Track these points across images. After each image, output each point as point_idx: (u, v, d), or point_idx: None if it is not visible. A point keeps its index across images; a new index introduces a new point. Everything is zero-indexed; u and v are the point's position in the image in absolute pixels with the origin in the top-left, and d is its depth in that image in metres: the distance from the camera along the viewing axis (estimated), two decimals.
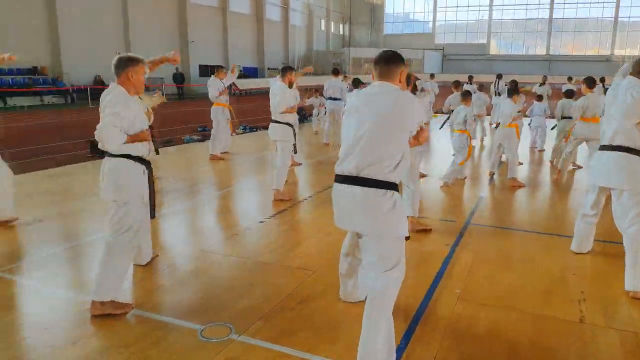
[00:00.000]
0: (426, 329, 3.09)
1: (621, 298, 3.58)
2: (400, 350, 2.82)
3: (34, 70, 21.98)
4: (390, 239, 2.57)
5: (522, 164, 8.61)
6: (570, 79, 15.94)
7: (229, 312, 3.28)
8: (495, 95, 14.10)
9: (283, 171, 6.17)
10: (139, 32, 26.14)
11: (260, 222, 5.39)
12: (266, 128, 6.91)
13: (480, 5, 48.61)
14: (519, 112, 7.57)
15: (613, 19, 43.82)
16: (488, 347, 2.91)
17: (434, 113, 13.85)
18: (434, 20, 50.57)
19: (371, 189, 2.51)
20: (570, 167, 8.23)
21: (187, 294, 3.61)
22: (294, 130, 6.20)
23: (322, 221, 5.35)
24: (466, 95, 7.30)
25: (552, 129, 9.02)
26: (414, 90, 5.55)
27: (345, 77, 14.69)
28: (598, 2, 44.31)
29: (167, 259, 4.28)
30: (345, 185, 2.59)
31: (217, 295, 3.59)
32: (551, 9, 46.03)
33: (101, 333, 3.05)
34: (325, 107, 11.82)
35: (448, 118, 8.11)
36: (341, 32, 51.37)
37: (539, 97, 10.58)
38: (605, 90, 9.68)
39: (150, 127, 3.51)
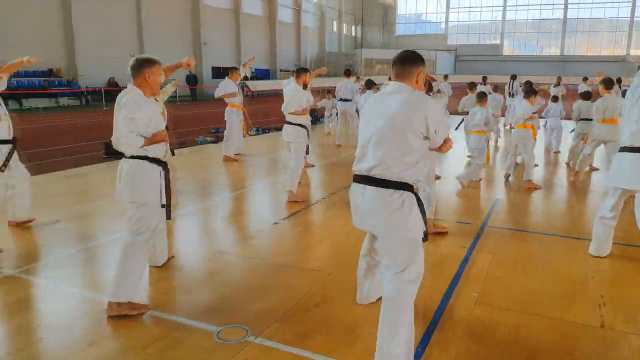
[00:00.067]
0: (443, 334, 3.04)
1: None
2: (417, 355, 2.78)
3: (49, 73, 22.30)
4: (398, 239, 2.53)
5: (537, 165, 8.51)
6: (585, 79, 15.75)
7: (245, 314, 3.27)
8: (510, 96, 13.94)
9: (296, 172, 6.16)
10: (153, 36, 26.38)
11: (274, 223, 5.38)
12: (278, 129, 6.91)
13: (493, 6, 48.27)
14: (535, 112, 7.47)
15: (629, 18, 43.18)
16: (508, 353, 2.86)
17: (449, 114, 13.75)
18: (447, 21, 50.36)
19: (380, 188, 2.49)
20: (587, 168, 8.12)
21: (202, 295, 3.61)
22: (307, 131, 6.19)
23: (336, 223, 5.32)
24: (481, 97, 7.24)
25: (572, 131, 8.91)
26: (429, 91, 5.49)
27: (358, 78, 14.65)
28: (613, 3, 43.70)
29: (183, 260, 4.29)
30: (359, 185, 2.59)
31: (233, 296, 3.58)
32: (565, 9, 45.57)
33: (118, 334, 3.06)
34: (337, 109, 11.78)
35: (462, 120, 8.04)
36: (353, 34, 51.30)
37: (555, 98, 10.44)
38: (623, 92, 9.56)
39: (166, 127, 3.52)
